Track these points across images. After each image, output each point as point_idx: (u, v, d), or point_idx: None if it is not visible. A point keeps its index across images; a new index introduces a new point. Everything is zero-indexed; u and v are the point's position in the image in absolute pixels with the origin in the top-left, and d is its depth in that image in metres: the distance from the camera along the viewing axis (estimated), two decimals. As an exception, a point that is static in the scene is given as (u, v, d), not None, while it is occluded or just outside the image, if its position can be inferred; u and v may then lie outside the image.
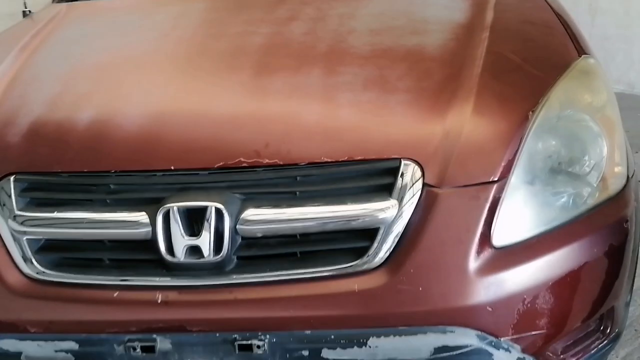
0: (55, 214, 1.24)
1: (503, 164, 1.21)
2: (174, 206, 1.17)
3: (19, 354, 1.21)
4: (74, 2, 2.12)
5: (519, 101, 1.31)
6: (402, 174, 1.19)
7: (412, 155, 1.21)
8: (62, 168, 1.27)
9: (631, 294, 1.74)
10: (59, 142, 1.32)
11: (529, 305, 1.19)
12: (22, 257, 1.24)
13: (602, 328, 1.40)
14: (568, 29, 1.62)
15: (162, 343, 1.17)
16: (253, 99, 1.37)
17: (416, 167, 1.20)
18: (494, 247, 1.19)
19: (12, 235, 1.24)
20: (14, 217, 1.24)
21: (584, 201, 1.30)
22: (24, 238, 1.24)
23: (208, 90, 1.42)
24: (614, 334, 1.43)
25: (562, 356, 1.34)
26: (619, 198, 1.34)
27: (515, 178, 1.22)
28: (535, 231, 1.23)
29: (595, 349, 1.40)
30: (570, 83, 1.39)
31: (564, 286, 1.24)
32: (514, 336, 1.19)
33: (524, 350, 1.22)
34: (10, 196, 1.26)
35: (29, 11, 2.13)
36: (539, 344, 1.24)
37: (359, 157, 1.21)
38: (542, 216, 1.25)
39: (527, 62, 1.46)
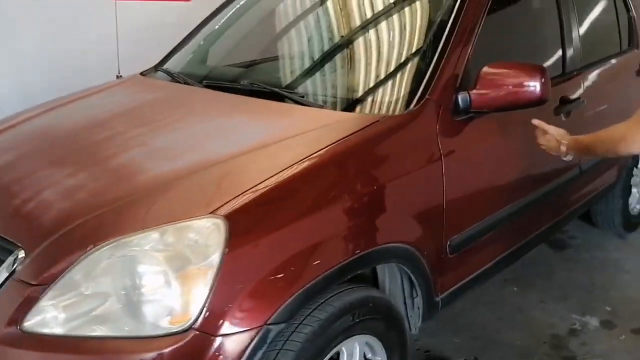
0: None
1: (45, 275, 1.54)
2: None
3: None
4: (131, 77, 2.78)
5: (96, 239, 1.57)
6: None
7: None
8: None
9: None
10: None
11: None
12: None
13: None
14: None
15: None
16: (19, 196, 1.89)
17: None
18: (21, 330, 1.51)
19: None
20: None
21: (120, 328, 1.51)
22: None
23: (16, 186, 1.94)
24: None
25: None
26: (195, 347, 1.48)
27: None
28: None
29: None
30: (167, 234, 1.56)
31: None
32: None
33: None
34: None
35: (120, 76, 3.03)
36: None
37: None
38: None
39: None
